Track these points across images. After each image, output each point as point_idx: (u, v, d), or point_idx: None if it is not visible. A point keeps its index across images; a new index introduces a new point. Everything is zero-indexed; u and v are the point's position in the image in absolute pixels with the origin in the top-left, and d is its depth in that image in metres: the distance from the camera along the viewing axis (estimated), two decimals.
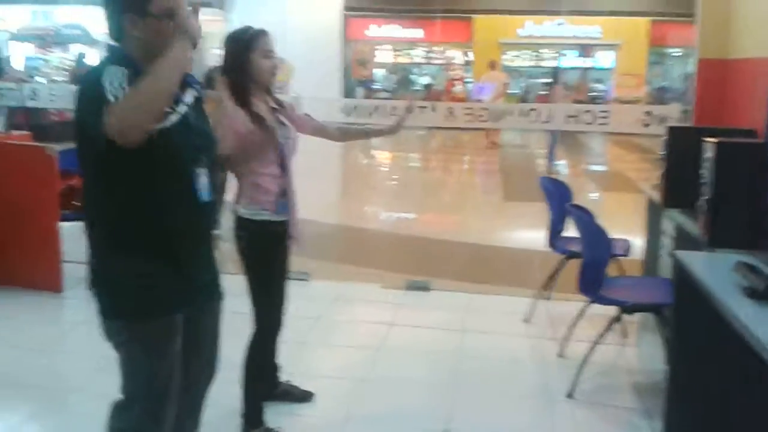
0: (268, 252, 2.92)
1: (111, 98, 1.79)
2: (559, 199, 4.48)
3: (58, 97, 5.59)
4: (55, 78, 13.35)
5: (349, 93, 19.86)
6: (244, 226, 2.89)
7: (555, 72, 17.10)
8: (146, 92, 1.79)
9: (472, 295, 4.99)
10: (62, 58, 15.08)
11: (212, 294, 2.28)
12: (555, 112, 5.55)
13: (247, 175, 2.90)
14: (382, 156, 15.17)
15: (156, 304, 2.06)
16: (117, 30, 2.02)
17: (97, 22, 14.02)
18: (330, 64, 19.34)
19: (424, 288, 5.07)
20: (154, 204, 2.01)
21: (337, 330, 4.34)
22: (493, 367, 3.80)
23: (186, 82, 2.14)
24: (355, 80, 20.50)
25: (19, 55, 15.42)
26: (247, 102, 2.83)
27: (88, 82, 1.91)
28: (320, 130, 3.26)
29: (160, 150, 1.92)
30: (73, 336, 4.08)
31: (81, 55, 13.74)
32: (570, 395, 3.42)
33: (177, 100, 2.03)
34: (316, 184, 10.10)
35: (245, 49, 2.84)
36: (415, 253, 6.41)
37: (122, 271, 2.02)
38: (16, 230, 4.64)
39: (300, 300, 4.77)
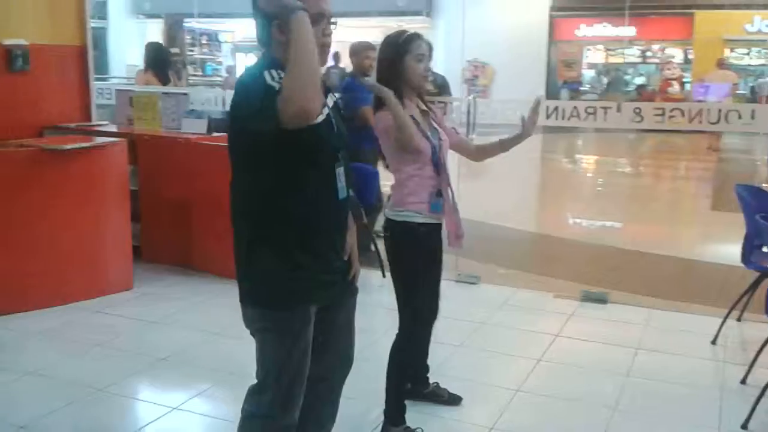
0: (413, 252, 2.92)
1: (277, 86, 1.90)
2: (757, 210, 4.00)
3: None
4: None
5: (553, 95, 19.35)
6: (389, 226, 2.93)
7: None
8: (300, 69, 1.87)
9: (654, 310, 4.63)
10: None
11: (346, 287, 2.32)
12: None
13: (398, 176, 2.93)
14: (588, 160, 14.58)
15: (292, 295, 2.12)
16: (266, 37, 2.12)
17: None
18: (535, 66, 19.02)
19: (600, 300, 4.79)
20: (298, 198, 2.08)
21: (498, 336, 4.23)
22: (664, 390, 3.48)
23: (326, 87, 2.22)
24: (561, 82, 19.90)
25: (241, 65, 16.94)
26: (401, 104, 2.85)
27: (250, 83, 2.02)
28: (461, 146, 3.20)
29: (308, 145, 2.01)
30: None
31: (230, 68, 14.93)
32: (745, 426, 3.04)
33: (324, 104, 2.12)
34: (513, 188, 10.00)
35: (399, 52, 2.87)
36: (597, 263, 6.07)
37: (262, 262, 2.11)
38: (213, 222, 5.07)
39: (465, 303, 4.79)
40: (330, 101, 2.23)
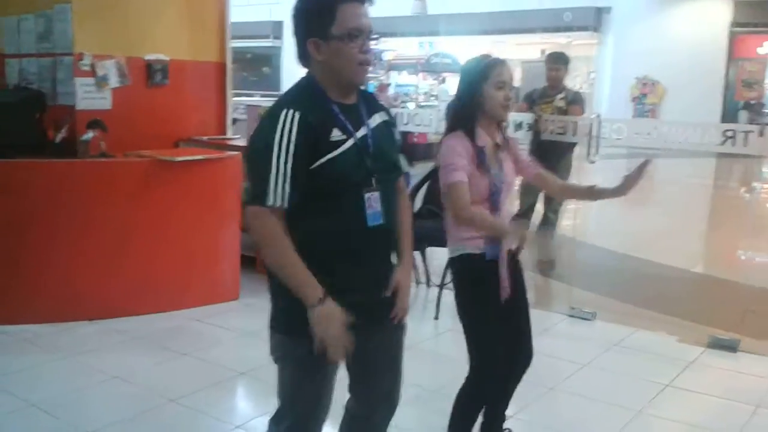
0: (477, 286, 2.71)
1: (268, 198, 1.92)
2: None
3: (420, 122, 5.79)
4: (423, 103, 14.48)
5: (730, 117, 17.85)
6: (450, 265, 2.77)
7: None
8: (268, 252, 2.00)
9: None
10: (431, 84, 16.31)
11: (382, 321, 2.17)
12: None
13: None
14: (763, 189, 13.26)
15: (307, 322, 1.99)
16: (304, 56, 2.05)
17: (465, 51, 14.80)
18: (710, 85, 17.66)
19: (730, 347, 4.25)
20: (316, 225, 1.99)
21: (600, 381, 3.86)
22: None
23: (374, 107, 2.12)
24: (739, 102, 18.30)
25: (392, 82, 17.16)
26: (472, 132, 2.67)
27: (266, 128, 1.97)
28: (542, 181, 2.92)
29: (324, 175, 1.94)
30: None
31: (383, 85, 14.98)
32: None
33: (359, 124, 2.02)
34: (659, 215, 9.28)
35: (478, 78, 2.68)
36: (734, 304, 5.41)
37: (282, 288, 2.01)
38: None
39: (573, 341, 4.45)
40: (376, 120, 2.11)
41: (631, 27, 18.55)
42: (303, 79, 2.08)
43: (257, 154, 1.96)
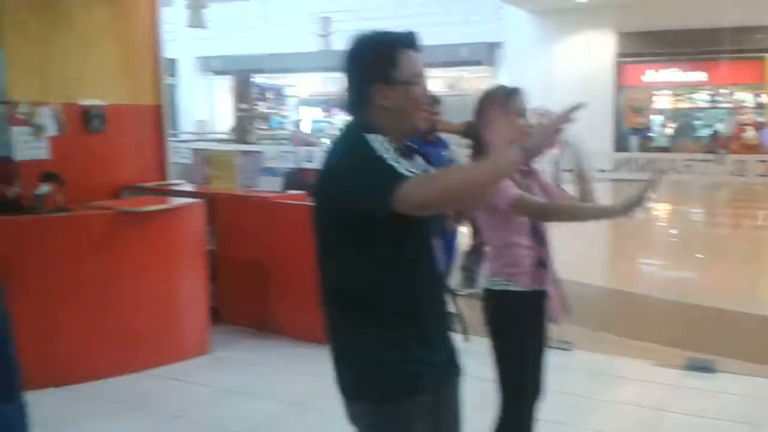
0: (520, 325, 2.66)
1: (404, 172, 1.75)
2: None
3: None
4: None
5: (621, 143, 18.92)
6: (489, 296, 2.70)
7: None
8: (459, 180, 1.78)
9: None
10: (345, 120, 16.36)
11: (454, 370, 2.08)
12: None
13: (493, 244, 2.70)
14: (661, 208, 14.03)
15: (405, 382, 1.90)
16: (360, 100, 1.95)
17: None
18: (601, 113, 18.64)
19: (707, 369, 4.39)
20: (400, 274, 1.89)
21: (603, 413, 3.90)
22: None
23: (414, 148, 2.04)
24: (629, 129, 19.44)
25: (307, 119, 17.08)
26: None
27: (356, 153, 1.84)
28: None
29: (408, 219, 1.79)
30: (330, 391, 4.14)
31: (297, 122, 14.84)
32: None
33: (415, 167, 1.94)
34: (579, 238, 9.61)
35: (497, 108, 2.67)
36: (696, 325, 5.65)
37: (366, 344, 1.91)
38: (285, 283, 4.92)
39: (559, 373, 4.40)
40: (420, 164, 2.02)
41: (523, 60, 19.35)
42: (358, 120, 1.97)
43: (361, 164, 1.80)
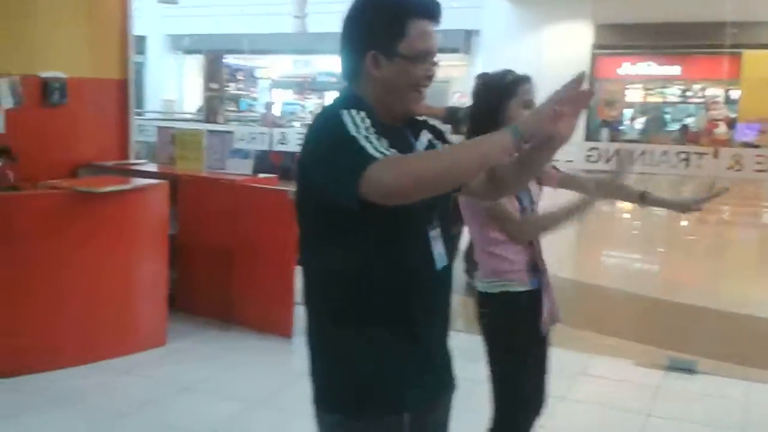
0: (518, 328, 2.45)
1: (374, 153, 1.46)
2: None
3: None
4: (309, 123, 14.22)
5: (592, 134, 18.88)
6: (484, 302, 2.47)
7: None
8: (436, 164, 1.48)
9: (754, 384, 4.10)
10: (317, 104, 16.06)
11: (446, 384, 1.84)
12: None
13: (485, 244, 2.47)
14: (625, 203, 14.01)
15: (383, 398, 1.67)
16: (353, 69, 1.71)
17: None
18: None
19: (688, 369, 4.26)
20: (386, 272, 1.65)
21: (588, 416, 3.72)
22: None
23: (419, 124, 1.80)
24: (601, 121, 19.41)
25: (279, 101, 16.71)
26: None
27: (326, 135, 1.58)
28: (570, 181, 2.66)
29: (398, 209, 1.52)
30: (293, 389, 3.91)
31: (269, 104, 14.53)
32: None
33: (408, 148, 1.69)
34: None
35: (502, 96, 2.42)
36: (672, 323, 5.51)
37: (343, 353, 1.67)
38: (254, 271, 4.67)
39: None
40: (423, 142, 1.78)
41: (499, 49, 19.14)
42: (345, 92, 1.73)
43: (329, 148, 1.54)
